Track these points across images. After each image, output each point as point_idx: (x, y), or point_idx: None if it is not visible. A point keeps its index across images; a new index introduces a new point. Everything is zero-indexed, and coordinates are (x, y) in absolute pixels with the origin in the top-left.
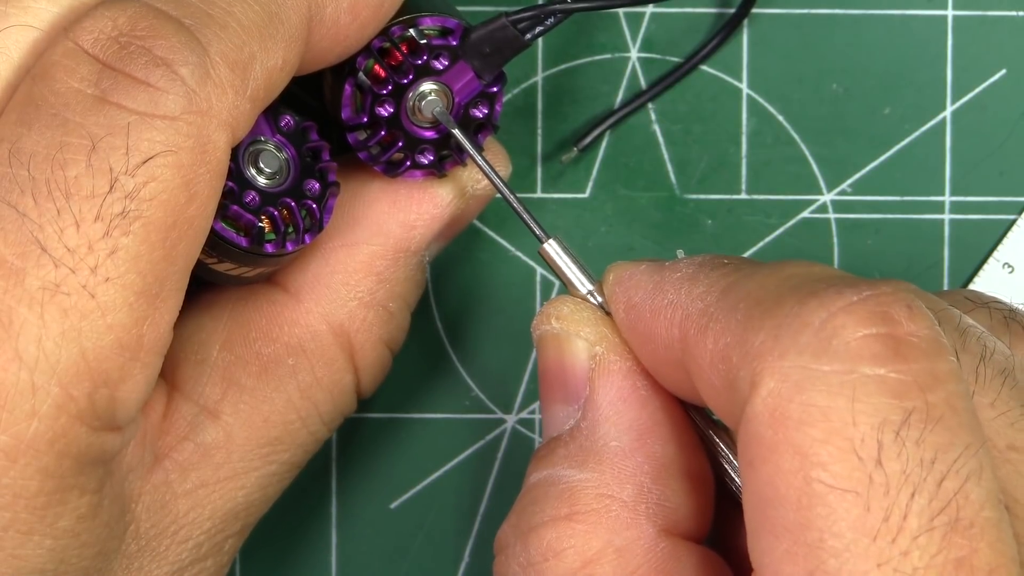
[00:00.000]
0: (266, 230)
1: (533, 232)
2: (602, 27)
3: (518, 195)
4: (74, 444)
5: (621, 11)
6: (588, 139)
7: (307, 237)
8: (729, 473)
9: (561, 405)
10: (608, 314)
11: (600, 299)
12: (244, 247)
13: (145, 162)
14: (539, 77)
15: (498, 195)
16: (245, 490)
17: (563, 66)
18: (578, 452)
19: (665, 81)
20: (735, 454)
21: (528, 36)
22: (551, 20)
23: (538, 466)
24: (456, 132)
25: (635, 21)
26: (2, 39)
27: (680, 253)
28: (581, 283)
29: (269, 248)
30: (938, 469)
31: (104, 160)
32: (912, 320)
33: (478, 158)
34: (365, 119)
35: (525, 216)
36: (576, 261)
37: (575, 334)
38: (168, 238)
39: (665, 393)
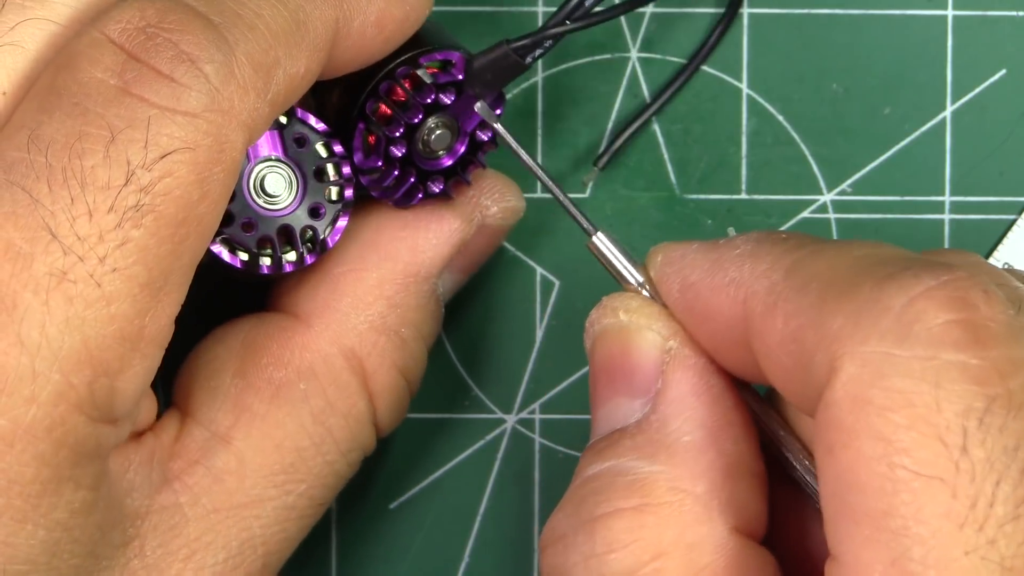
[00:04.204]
0: (262, 252)
1: (581, 226)
2: (602, 27)
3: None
4: (72, 433)
5: None
6: (606, 157)
7: (308, 258)
8: (793, 465)
9: (624, 399)
10: (662, 305)
11: (648, 292)
12: (239, 269)
13: (163, 157)
14: (539, 77)
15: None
16: (261, 520)
17: (563, 66)
18: (647, 444)
19: (673, 86)
20: (800, 447)
21: (528, 59)
22: (549, 43)
23: (599, 457)
24: (502, 131)
25: (635, 21)
26: (19, 32)
27: (731, 231)
28: (632, 275)
29: (265, 269)
30: (1021, 457)
31: (122, 152)
32: (989, 305)
33: (523, 155)
34: (380, 163)
35: (572, 210)
36: (625, 253)
37: (647, 327)
38: (177, 233)
39: (735, 392)
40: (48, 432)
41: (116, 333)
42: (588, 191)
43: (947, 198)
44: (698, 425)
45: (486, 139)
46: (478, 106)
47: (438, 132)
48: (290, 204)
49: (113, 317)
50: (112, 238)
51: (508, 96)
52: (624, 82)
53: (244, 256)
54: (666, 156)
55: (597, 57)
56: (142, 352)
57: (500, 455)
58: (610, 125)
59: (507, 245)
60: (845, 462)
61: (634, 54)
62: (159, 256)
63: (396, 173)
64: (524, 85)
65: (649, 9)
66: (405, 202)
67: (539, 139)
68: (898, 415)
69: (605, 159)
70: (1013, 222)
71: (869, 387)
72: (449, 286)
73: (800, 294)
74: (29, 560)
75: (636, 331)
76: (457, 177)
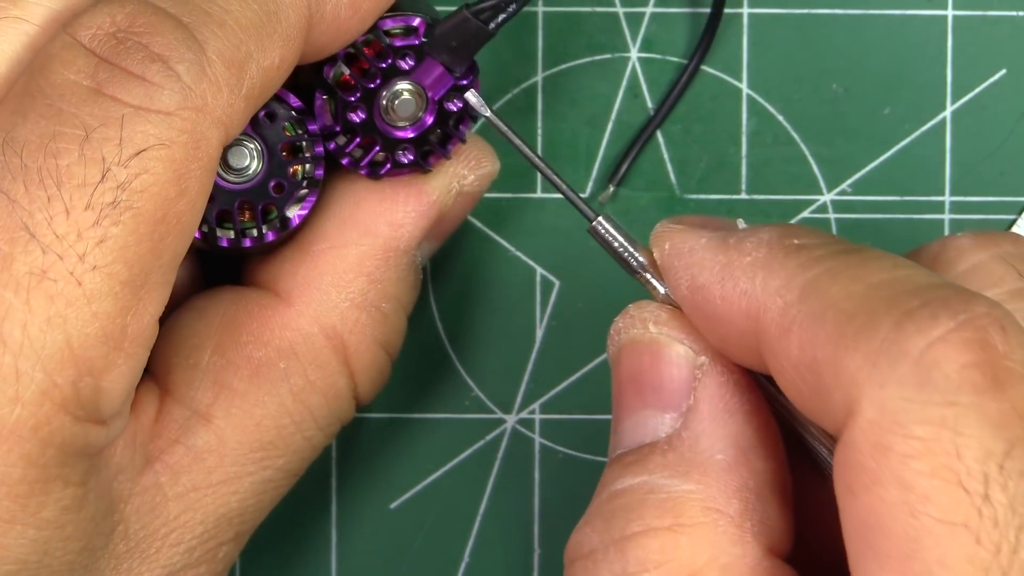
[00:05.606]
0: (223, 225)
1: (582, 212)
2: (602, 27)
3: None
4: (58, 433)
5: (621, 11)
6: (621, 172)
7: (269, 235)
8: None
9: (653, 412)
10: (663, 288)
11: (651, 275)
12: (197, 239)
13: (138, 154)
14: (539, 77)
15: (484, 195)
16: (239, 495)
17: (563, 66)
18: (679, 462)
19: (673, 93)
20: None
21: (492, 25)
22: (512, 7)
23: (627, 472)
24: (496, 121)
25: (635, 21)
26: None
27: (741, 223)
28: (634, 258)
29: (224, 243)
30: None
31: (97, 150)
32: (1007, 342)
33: (520, 144)
34: (338, 128)
35: (572, 196)
36: (627, 236)
37: (678, 340)
38: (156, 231)
39: (765, 411)
40: (34, 432)
41: (99, 332)
42: (588, 191)
43: (947, 198)
44: (731, 443)
45: (455, 109)
46: (470, 96)
47: (402, 99)
48: (251, 178)
49: (95, 315)
50: (91, 235)
51: (508, 96)
52: (624, 82)
53: (204, 228)
54: (666, 156)
55: (597, 57)
56: (126, 351)
57: (500, 455)
58: (610, 125)
59: (507, 245)
60: (867, 505)
61: (634, 54)
62: (139, 254)
63: (359, 140)
64: (524, 85)
65: (649, 9)
66: (374, 173)
67: (539, 139)
68: (919, 462)
69: (620, 175)
70: (1013, 222)
71: (889, 433)
72: (426, 253)
73: (816, 323)
74: (19, 560)
75: (667, 344)
76: (437, 151)
